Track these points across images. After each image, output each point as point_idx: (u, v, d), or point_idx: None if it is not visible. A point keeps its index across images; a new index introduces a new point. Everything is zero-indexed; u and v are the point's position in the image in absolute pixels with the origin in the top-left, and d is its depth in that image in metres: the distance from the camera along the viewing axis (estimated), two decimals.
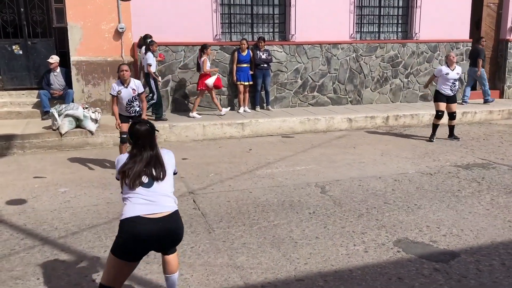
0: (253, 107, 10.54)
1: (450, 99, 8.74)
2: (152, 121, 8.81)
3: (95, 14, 9.55)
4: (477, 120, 10.97)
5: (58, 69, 9.61)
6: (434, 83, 9.16)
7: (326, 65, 11.12)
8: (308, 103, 11.15)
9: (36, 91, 9.81)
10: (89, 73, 9.66)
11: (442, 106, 8.75)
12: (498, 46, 12.80)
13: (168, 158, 3.18)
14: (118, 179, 3.17)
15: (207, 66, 9.44)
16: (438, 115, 8.81)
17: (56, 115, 8.15)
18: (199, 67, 9.65)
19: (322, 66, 11.10)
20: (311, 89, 11.13)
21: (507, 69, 12.71)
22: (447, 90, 8.67)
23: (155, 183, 3.01)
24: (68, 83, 9.67)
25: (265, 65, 10.23)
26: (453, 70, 8.63)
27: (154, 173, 3.02)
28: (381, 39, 11.62)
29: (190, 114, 9.67)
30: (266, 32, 10.85)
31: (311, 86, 11.11)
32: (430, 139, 8.89)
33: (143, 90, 6.76)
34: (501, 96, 12.81)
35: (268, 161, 7.40)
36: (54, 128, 8.23)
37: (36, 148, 8.07)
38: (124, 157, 3.13)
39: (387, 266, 4.01)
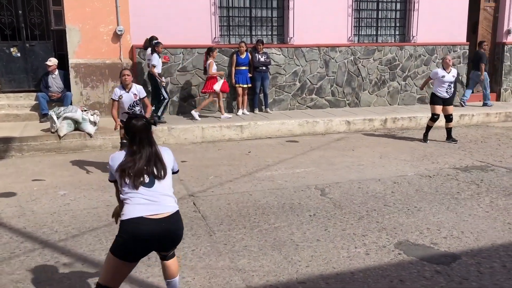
0: (251, 109, 10.54)
1: (446, 102, 8.80)
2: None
3: (94, 16, 9.55)
4: (475, 123, 11.02)
5: (56, 72, 9.58)
6: (431, 85, 9.19)
7: (324, 67, 11.14)
8: (307, 106, 11.16)
9: (34, 94, 9.78)
10: (88, 76, 9.65)
11: (438, 109, 8.82)
12: (495, 49, 12.86)
13: (167, 156, 3.14)
14: (112, 179, 3.11)
15: (213, 69, 9.46)
16: (434, 118, 8.89)
17: (54, 117, 8.13)
18: (206, 70, 9.67)
19: (320, 69, 11.12)
20: (309, 92, 11.15)
21: (503, 72, 12.78)
22: (443, 93, 8.73)
23: (156, 182, 2.96)
24: (67, 86, 9.65)
25: (264, 68, 10.25)
26: (449, 73, 8.69)
27: (155, 171, 2.97)
28: (379, 42, 11.66)
29: (193, 111, 9.66)
30: (264, 35, 10.87)
31: (309, 88, 11.13)
32: (424, 140, 8.98)
33: (145, 95, 6.75)
34: (498, 99, 12.87)
35: (267, 164, 7.40)
36: (52, 130, 8.21)
37: (35, 151, 8.04)
38: (119, 154, 3.05)
39: (389, 269, 4.01)
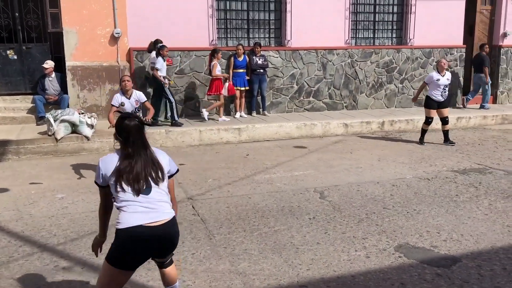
0: (249, 112, 10.53)
1: (441, 105, 8.84)
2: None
3: (91, 19, 9.52)
4: (472, 125, 11.05)
5: (53, 74, 9.54)
6: (427, 87, 9.21)
7: (321, 70, 11.15)
8: (304, 108, 11.17)
9: (31, 96, 9.72)
10: (85, 78, 9.61)
11: (433, 113, 8.88)
12: (491, 52, 12.88)
13: (162, 158, 3.02)
14: (100, 184, 2.91)
15: (217, 70, 9.48)
16: (428, 121, 8.96)
17: (51, 120, 8.09)
18: (210, 71, 9.69)
19: (317, 72, 11.13)
20: (306, 95, 11.15)
21: (500, 74, 12.83)
22: (438, 96, 8.77)
23: (153, 187, 2.85)
24: (63, 88, 9.61)
25: (261, 71, 10.24)
26: (443, 76, 8.74)
27: (152, 175, 2.86)
28: (376, 45, 11.69)
29: (204, 110, 9.69)
30: (262, 37, 10.87)
31: (307, 91, 11.13)
32: (420, 143, 9.03)
33: (145, 99, 6.73)
34: (494, 101, 12.91)
35: (266, 167, 7.39)
36: (49, 133, 8.16)
37: (31, 154, 7.99)
38: (111, 157, 2.89)
39: (390, 272, 4.01)
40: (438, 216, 5.27)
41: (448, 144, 8.98)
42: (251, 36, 10.81)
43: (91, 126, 8.38)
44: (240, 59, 10.05)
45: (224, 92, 9.72)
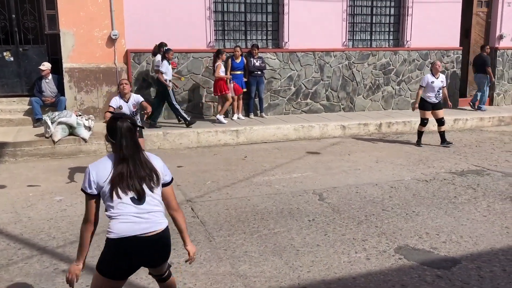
0: (247, 114, 10.53)
1: (436, 106, 8.91)
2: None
3: (88, 21, 9.49)
4: (468, 127, 11.10)
5: (50, 76, 9.51)
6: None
7: (319, 72, 11.17)
8: (301, 110, 11.18)
9: (28, 98, 9.69)
10: (82, 80, 9.58)
11: (428, 114, 8.98)
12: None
13: (156, 163, 2.82)
14: (90, 192, 2.67)
15: (220, 71, 9.50)
16: (423, 122, 9.04)
17: (49, 122, 8.06)
18: (214, 71, 9.72)
19: (315, 74, 11.15)
20: (304, 96, 11.17)
21: (496, 76, 12.88)
22: (432, 98, 8.84)
23: (147, 196, 2.70)
24: (60, 90, 9.58)
25: (259, 72, 10.25)
26: (437, 78, 8.80)
27: (147, 182, 2.70)
28: (373, 47, 11.72)
29: (218, 116, 9.79)
30: (259, 39, 10.88)
31: (304, 93, 11.15)
32: (418, 144, 9.09)
33: (142, 99, 6.68)
34: (491, 103, 12.97)
35: (264, 169, 7.39)
36: (47, 135, 8.13)
37: (28, 156, 7.96)
38: (105, 163, 2.70)
39: (390, 274, 4.01)
40: (437, 218, 5.28)
41: (445, 145, 9.02)
42: (248, 38, 10.82)
43: (89, 128, 8.36)
44: (238, 61, 10.05)
45: (232, 93, 9.80)
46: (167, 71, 9.05)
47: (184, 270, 3.99)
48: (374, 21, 11.69)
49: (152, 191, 2.73)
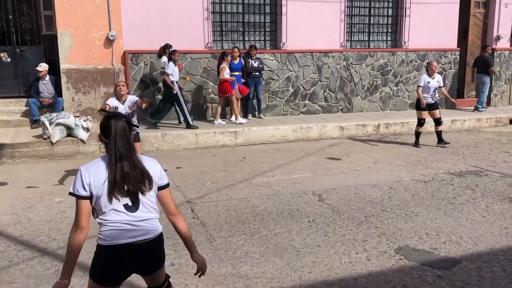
0: (245, 115, 10.53)
1: (432, 106, 8.96)
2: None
3: (86, 21, 9.48)
4: (466, 128, 11.14)
5: (47, 77, 9.48)
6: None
7: (317, 73, 11.19)
8: (300, 111, 11.19)
9: (25, 100, 9.65)
10: (79, 81, 9.56)
11: (425, 114, 9.00)
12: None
13: (154, 166, 2.69)
14: (82, 195, 2.49)
15: (225, 73, 9.51)
16: (421, 122, 9.09)
17: (47, 123, 8.04)
18: (219, 73, 9.75)
19: (313, 75, 11.17)
20: (302, 97, 11.18)
21: (493, 77, 12.92)
22: (428, 98, 8.89)
23: (140, 201, 2.59)
24: (58, 91, 9.55)
25: (257, 73, 10.26)
26: (433, 78, 8.85)
27: (140, 186, 2.56)
28: (371, 48, 11.75)
29: (233, 118, 9.89)
30: (257, 40, 10.89)
31: (302, 94, 11.16)
32: (416, 145, 9.11)
33: (137, 98, 6.66)
34: (488, 104, 13.00)
35: (263, 170, 7.39)
36: (45, 137, 8.11)
37: (27, 158, 7.94)
38: (98, 166, 2.55)
39: (391, 274, 4.02)
40: (437, 219, 5.30)
41: (442, 145, 9.05)
42: (246, 38, 10.83)
43: (87, 129, 8.34)
44: (236, 62, 10.05)
45: (237, 95, 9.84)
46: (173, 73, 9.05)
47: (186, 271, 3.99)
48: (372, 22, 11.72)
49: (145, 195, 2.60)
